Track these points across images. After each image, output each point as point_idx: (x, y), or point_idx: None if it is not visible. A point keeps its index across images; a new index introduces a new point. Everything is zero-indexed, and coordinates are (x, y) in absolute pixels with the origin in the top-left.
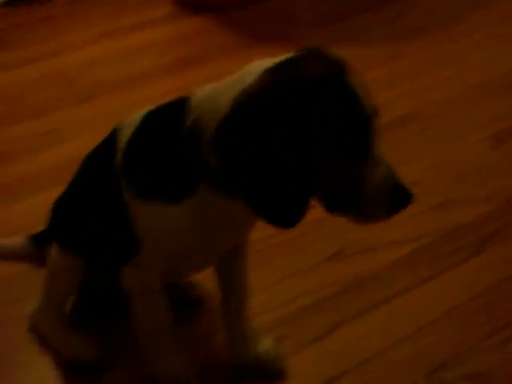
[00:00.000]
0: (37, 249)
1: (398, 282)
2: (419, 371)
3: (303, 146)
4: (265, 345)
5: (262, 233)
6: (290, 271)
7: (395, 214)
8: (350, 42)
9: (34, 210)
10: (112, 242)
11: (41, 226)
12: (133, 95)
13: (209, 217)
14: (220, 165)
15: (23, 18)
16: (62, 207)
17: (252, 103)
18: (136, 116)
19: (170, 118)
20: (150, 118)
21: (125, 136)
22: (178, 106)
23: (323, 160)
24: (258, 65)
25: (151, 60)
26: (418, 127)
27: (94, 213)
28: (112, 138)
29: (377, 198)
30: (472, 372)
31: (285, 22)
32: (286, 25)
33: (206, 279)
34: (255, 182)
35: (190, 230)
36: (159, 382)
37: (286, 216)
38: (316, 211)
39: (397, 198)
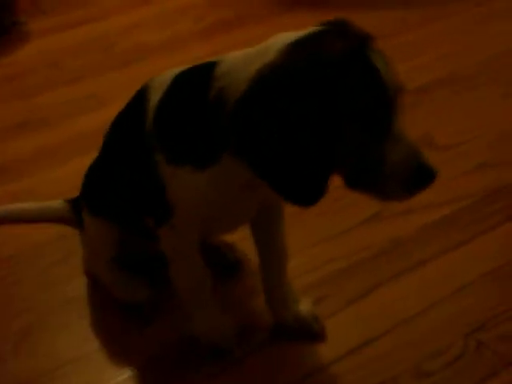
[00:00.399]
0: (74, 213)
1: (434, 244)
2: (456, 332)
3: (325, 123)
4: (303, 306)
5: None
6: (326, 234)
7: (416, 193)
8: (387, 4)
9: (76, 174)
10: (145, 205)
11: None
12: (171, 59)
13: (233, 184)
14: (237, 138)
15: None
16: (93, 172)
17: (273, 78)
18: (166, 76)
19: (198, 84)
20: (180, 82)
21: (155, 96)
22: (206, 73)
23: (345, 137)
24: (281, 38)
25: (188, 24)
26: (457, 88)
27: (126, 176)
28: (142, 98)
29: (397, 176)
30: (509, 334)
31: None
32: None
33: (244, 241)
34: (273, 159)
35: (216, 196)
36: (198, 338)
37: (306, 195)
38: None
39: (418, 176)
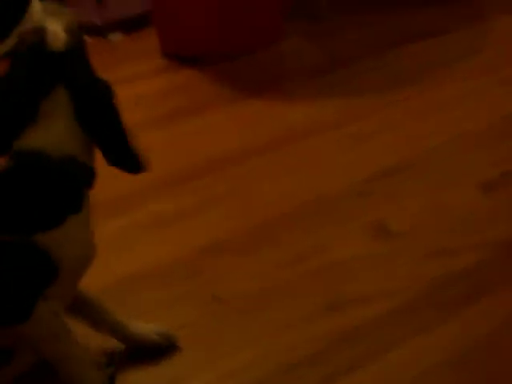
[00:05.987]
0: None
1: (390, 334)
2: None
3: None
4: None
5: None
6: (283, 323)
7: None
8: (341, 91)
9: None
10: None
11: None
12: None
13: None
14: None
15: None
16: None
17: None
18: None
19: None
20: None
21: None
22: None
23: None
24: None
25: (142, 113)
26: (408, 175)
27: None
28: None
29: None
30: None
31: (274, 74)
32: (275, 77)
33: None
34: None
35: None
36: None
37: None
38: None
39: None
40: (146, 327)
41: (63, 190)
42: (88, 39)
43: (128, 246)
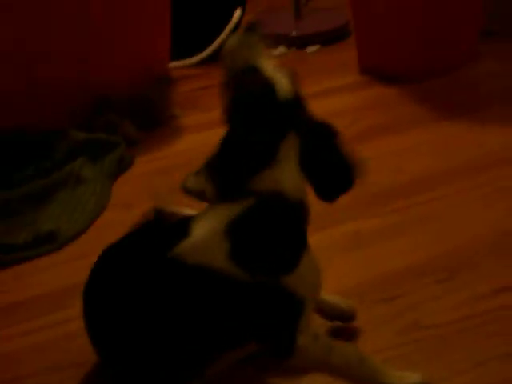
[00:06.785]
0: None
1: None
2: None
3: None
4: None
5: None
6: (491, 354)
7: None
8: None
9: None
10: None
11: None
12: None
13: None
14: None
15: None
16: None
17: None
18: None
19: None
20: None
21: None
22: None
23: None
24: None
25: (339, 128)
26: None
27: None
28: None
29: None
30: None
31: (474, 94)
32: (475, 97)
33: None
34: None
35: None
36: None
37: None
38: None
39: None
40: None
41: (300, 232)
42: (285, 50)
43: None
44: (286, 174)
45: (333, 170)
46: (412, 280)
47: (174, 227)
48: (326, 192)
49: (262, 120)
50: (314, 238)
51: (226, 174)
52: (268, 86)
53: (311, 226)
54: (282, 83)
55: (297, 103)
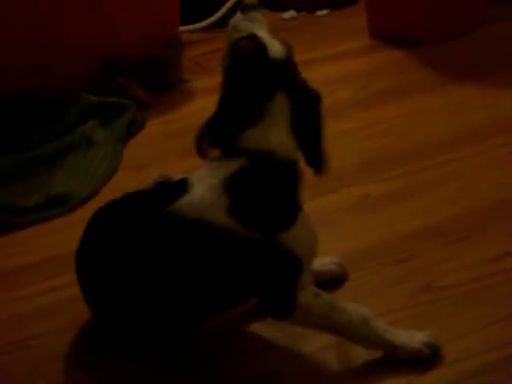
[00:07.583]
0: None
1: None
2: None
3: None
4: None
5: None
6: (499, 316)
7: None
8: None
9: None
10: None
11: None
12: (329, 127)
13: None
14: None
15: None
16: None
17: None
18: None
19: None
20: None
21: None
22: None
23: None
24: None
25: (347, 92)
26: None
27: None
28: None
29: None
30: None
31: (487, 57)
32: (487, 60)
33: None
34: None
35: None
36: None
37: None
38: None
39: None
40: (324, 259)
41: (294, 190)
42: (296, 15)
43: (331, 229)
44: (274, 134)
45: (312, 150)
46: (422, 242)
47: (172, 186)
48: (312, 164)
49: (251, 78)
50: (323, 201)
51: (215, 130)
52: (260, 48)
53: (321, 188)
54: (275, 46)
55: (287, 66)
